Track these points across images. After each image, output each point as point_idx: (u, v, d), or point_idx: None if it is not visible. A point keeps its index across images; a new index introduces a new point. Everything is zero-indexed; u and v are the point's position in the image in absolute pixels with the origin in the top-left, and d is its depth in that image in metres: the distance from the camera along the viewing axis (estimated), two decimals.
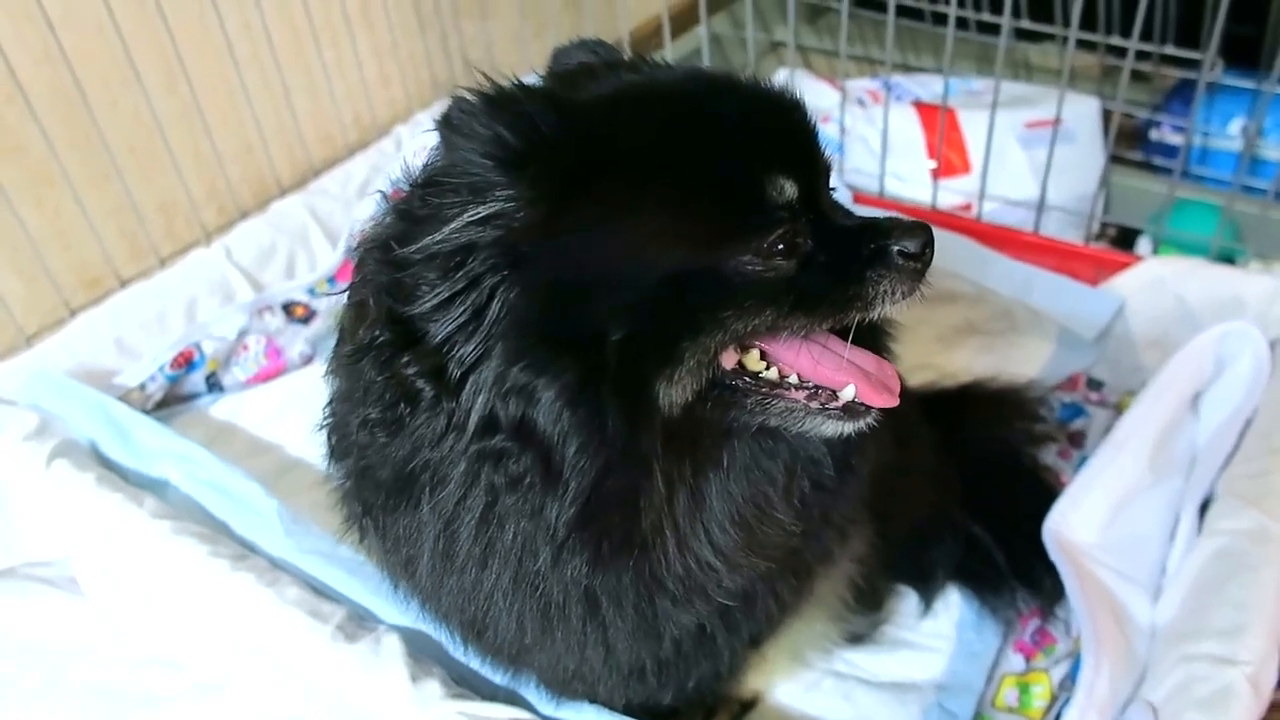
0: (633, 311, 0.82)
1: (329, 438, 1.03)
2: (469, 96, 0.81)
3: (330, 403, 1.02)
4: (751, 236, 0.85)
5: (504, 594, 0.92)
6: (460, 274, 0.80)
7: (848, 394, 0.92)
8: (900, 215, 0.93)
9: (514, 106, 0.81)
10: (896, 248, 0.89)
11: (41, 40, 1.66)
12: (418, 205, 0.83)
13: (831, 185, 0.96)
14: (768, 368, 0.92)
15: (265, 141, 2.04)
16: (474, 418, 0.83)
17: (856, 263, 0.89)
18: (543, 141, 0.80)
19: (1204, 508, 1.44)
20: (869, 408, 0.93)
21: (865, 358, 0.96)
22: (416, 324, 0.83)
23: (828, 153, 0.95)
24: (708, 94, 0.92)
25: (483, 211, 0.79)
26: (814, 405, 0.92)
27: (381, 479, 0.92)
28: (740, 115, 0.89)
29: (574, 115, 0.84)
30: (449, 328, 0.81)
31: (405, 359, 0.84)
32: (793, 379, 0.92)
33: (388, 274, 0.84)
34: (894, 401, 0.94)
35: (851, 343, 0.93)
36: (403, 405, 0.86)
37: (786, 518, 0.97)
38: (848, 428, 0.94)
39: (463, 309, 0.81)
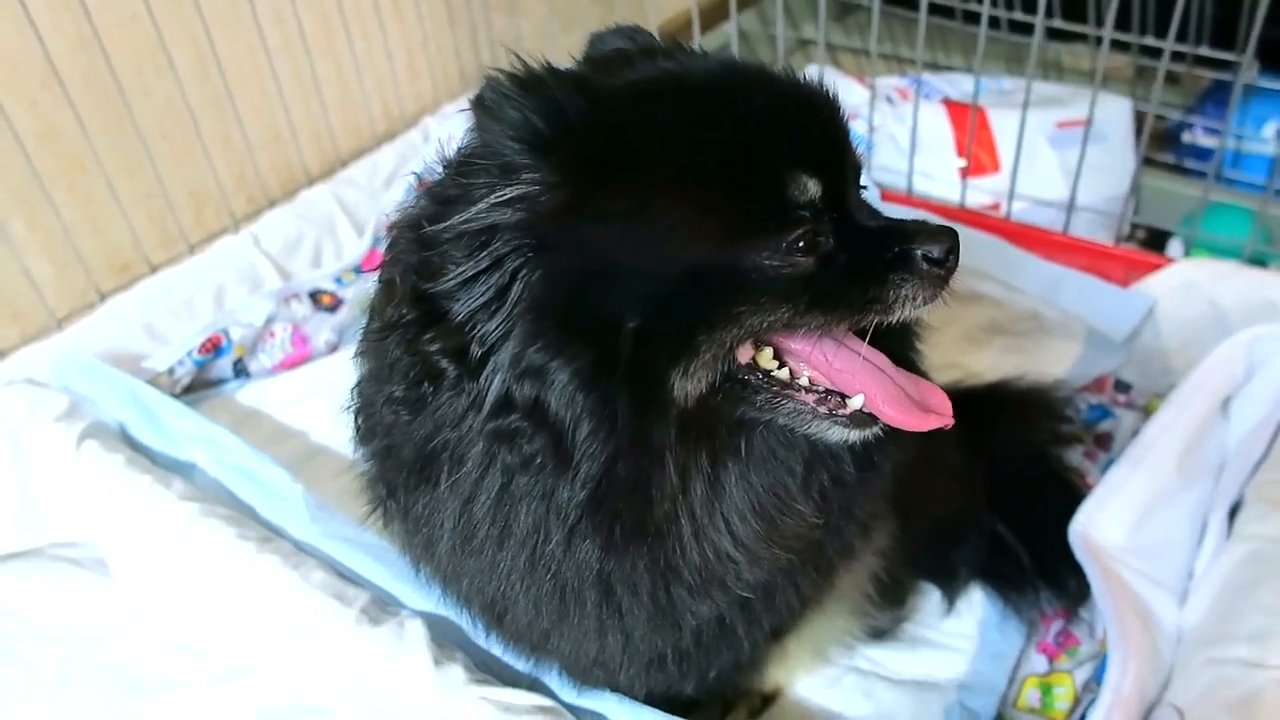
0: (649, 302, 0.82)
1: (355, 419, 1.04)
2: (501, 78, 0.81)
3: (358, 384, 1.03)
4: (770, 234, 0.84)
5: (520, 576, 0.92)
6: (484, 254, 0.81)
7: (856, 402, 0.91)
8: (927, 220, 0.92)
9: (543, 91, 0.81)
10: (920, 252, 0.88)
11: (77, 27, 1.68)
12: (449, 185, 0.84)
13: (862, 184, 0.95)
14: (780, 367, 0.91)
15: (295, 131, 2.05)
16: (491, 397, 0.83)
17: (878, 265, 0.88)
18: (569, 127, 0.80)
19: (1233, 512, 1.42)
20: (875, 418, 0.92)
21: (902, 376, 0.94)
22: (440, 302, 0.83)
23: (859, 151, 0.94)
24: (739, 87, 0.91)
25: (509, 194, 0.80)
26: (822, 410, 0.91)
27: (404, 457, 0.93)
28: (770, 111, 0.88)
29: (602, 103, 0.84)
30: (471, 306, 0.82)
31: (429, 336, 0.84)
32: (803, 380, 0.92)
33: (416, 252, 0.85)
34: (935, 422, 0.92)
35: (883, 350, 0.92)
36: (426, 384, 0.87)
37: (807, 510, 0.96)
38: (853, 435, 0.93)
39: (485, 288, 0.81)
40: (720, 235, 0.84)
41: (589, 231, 0.82)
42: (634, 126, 0.85)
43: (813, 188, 0.86)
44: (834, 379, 0.91)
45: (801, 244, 0.85)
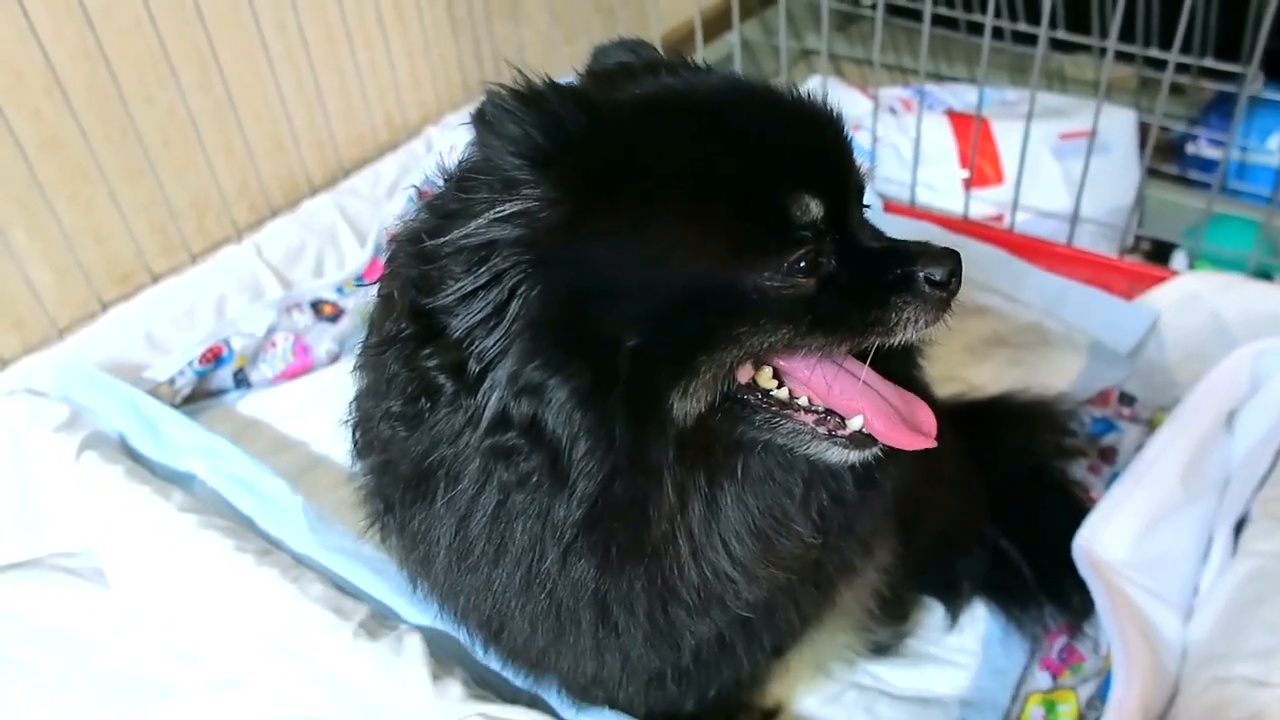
0: (648, 320, 0.82)
1: (353, 433, 1.03)
2: (502, 93, 0.81)
3: (356, 398, 1.02)
4: (771, 255, 0.84)
5: (515, 594, 0.92)
6: (484, 269, 0.81)
7: (855, 423, 0.91)
8: (930, 241, 0.91)
9: (544, 105, 0.81)
10: (923, 273, 0.87)
11: (80, 35, 1.68)
12: (450, 200, 0.84)
13: (865, 203, 0.94)
14: (779, 386, 0.91)
15: (297, 140, 2.05)
16: (488, 413, 0.83)
17: (880, 286, 0.88)
18: (570, 143, 0.80)
19: (1238, 528, 1.41)
20: (874, 438, 0.91)
21: (893, 392, 0.93)
22: (439, 317, 0.83)
23: (863, 169, 0.93)
24: (742, 105, 0.90)
25: (508, 209, 0.80)
26: (821, 430, 0.91)
27: (401, 473, 0.93)
28: (773, 129, 0.88)
29: (603, 118, 0.84)
30: (469, 322, 0.82)
31: (427, 351, 0.84)
32: (802, 401, 0.91)
33: (416, 266, 0.84)
34: (922, 443, 0.92)
35: (882, 368, 0.91)
36: (423, 399, 0.86)
37: (805, 530, 0.96)
38: (852, 456, 0.92)
39: (484, 304, 0.81)
40: (721, 255, 0.83)
41: (588, 248, 0.82)
42: (635, 143, 0.85)
43: (815, 208, 0.85)
44: (832, 400, 0.91)
45: (803, 265, 0.84)
